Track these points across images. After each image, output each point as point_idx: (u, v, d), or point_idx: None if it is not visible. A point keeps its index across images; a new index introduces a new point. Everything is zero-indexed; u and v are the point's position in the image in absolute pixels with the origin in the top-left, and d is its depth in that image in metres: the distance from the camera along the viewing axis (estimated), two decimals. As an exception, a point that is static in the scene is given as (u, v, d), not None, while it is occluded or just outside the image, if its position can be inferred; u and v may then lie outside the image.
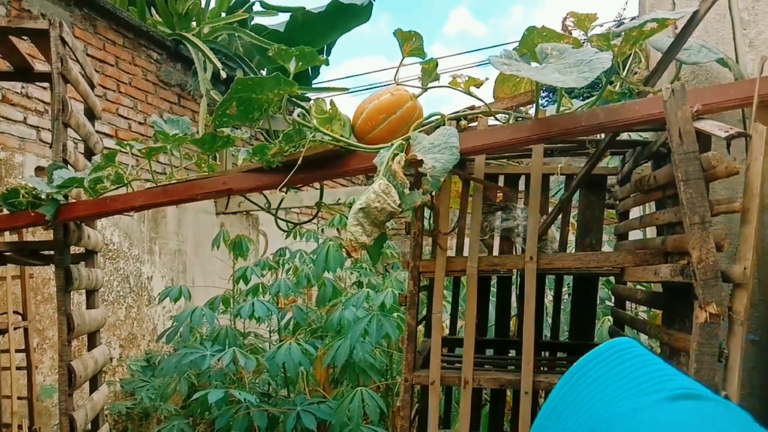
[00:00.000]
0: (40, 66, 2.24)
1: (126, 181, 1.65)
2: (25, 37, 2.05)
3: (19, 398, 2.85)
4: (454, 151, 1.23)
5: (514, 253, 1.72)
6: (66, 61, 1.80)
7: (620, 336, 1.91)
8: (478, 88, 1.42)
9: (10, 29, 1.84)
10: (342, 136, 1.41)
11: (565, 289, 2.49)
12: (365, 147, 1.40)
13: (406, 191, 1.25)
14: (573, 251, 1.87)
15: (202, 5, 5.23)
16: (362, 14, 6.11)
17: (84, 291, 2.12)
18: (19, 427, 2.84)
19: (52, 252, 1.80)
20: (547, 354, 2.11)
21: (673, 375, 0.39)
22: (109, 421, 3.42)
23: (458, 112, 1.47)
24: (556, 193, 2.52)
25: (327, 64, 7.54)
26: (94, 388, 2.06)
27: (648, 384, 0.38)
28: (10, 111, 3.35)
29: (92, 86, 2.17)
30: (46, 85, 3.16)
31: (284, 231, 1.80)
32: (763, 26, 1.46)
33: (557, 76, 1.13)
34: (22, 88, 3.43)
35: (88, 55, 3.80)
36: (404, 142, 1.34)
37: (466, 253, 1.61)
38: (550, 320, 2.31)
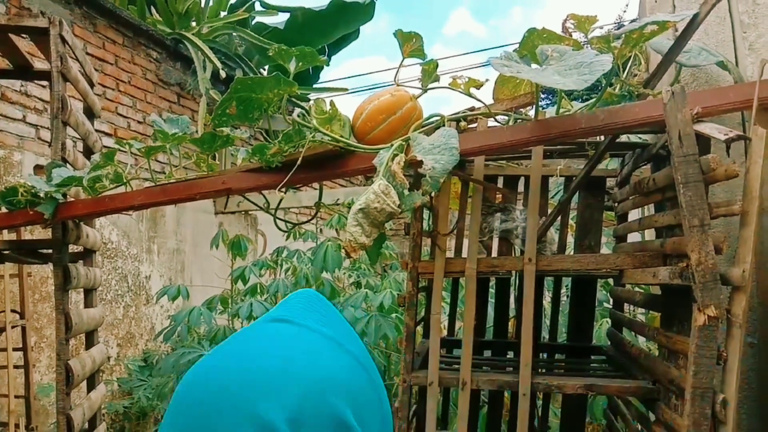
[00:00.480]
0: (39, 64, 2.24)
1: (125, 180, 1.65)
2: (24, 35, 2.05)
3: (16, 397, 2.85)
4: (453, 152, 1.23)
5: (512, 254, 1.71)
6: (65, 59, 1.79)
7: (618, 339, 1.90)
8: (478, 89, 1.42)
9: (9, 27, 1.84)
10: (342, 136, 1.41)
11: (563, 290, 2.49)
12: (365, 147, 1.40)
13: (406, 192, 1.25)
14: (572, 253, 1.87)
15: (202, 4, 5.22)
16: (365, 13, 6.02)
17: (82, 290, 2.12)
18: (17, 425, 2.84)
19: (50, 250, 1.80)
20: (545, 356, 2.11)
21: (284, 307, 0.54)
22: (106, 420, 3.41)
23: (458, 113, 1.47)
24: (555, 195, 2.52)
25: (327, 65, 7.51)
26: (91, 387, 2.06)
27: (269, 313, 0.54)
28: (9, 109, 3.34)
29: (91, 85, 2.17)
30: (45, 83, 3.15)
31: (283, 231, 1.80)
32: (763, 29, 1.46)
33: (557, 78, 1.14)
34: (22, 86, 3.43)
35: (87, 53, 3.79)
36: (404, 143, 1.34)
37: (464, 254, 1.61)
38: (548, 322, 2.31)
